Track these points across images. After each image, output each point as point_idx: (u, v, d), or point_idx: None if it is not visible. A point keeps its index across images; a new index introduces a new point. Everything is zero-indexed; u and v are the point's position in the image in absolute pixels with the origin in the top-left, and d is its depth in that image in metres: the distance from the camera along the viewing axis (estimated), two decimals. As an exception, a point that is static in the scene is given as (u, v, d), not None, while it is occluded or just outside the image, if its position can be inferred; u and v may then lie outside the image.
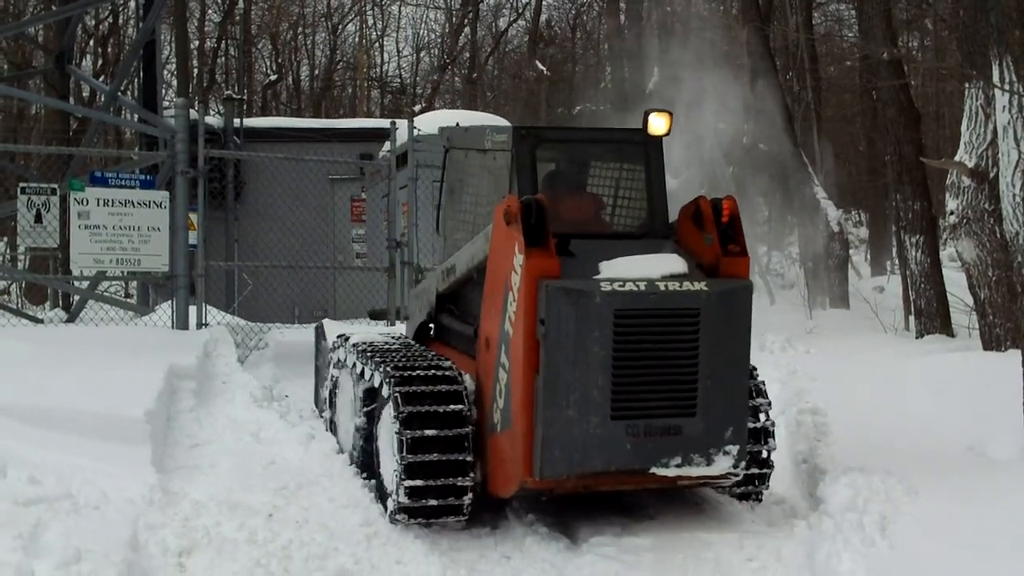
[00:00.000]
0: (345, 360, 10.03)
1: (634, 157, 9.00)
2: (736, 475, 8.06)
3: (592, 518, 8.44)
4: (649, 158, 8.90)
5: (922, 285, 16.45)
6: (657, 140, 8.85)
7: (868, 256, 36.38)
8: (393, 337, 10.22)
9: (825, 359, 13.59)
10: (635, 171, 9.01)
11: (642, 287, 7.70)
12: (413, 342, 9.98)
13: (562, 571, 7.55)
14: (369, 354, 9.16)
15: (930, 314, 16.24)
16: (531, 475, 7.67)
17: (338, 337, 10.58)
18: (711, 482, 8.29)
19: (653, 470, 7.76)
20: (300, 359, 13.09)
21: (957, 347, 13.86)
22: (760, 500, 8.93)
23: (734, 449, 7.89)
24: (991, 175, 12.65)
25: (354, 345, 9.74)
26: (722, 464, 7.88)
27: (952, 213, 13.12)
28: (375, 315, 16.42)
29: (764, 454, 8.81)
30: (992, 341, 12.88)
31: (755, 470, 8.74)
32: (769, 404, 8.99)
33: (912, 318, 17.41)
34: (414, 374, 8.37)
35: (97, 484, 7.98)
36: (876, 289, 25.06)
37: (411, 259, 14.99)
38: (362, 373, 9.26)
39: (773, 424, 8.93)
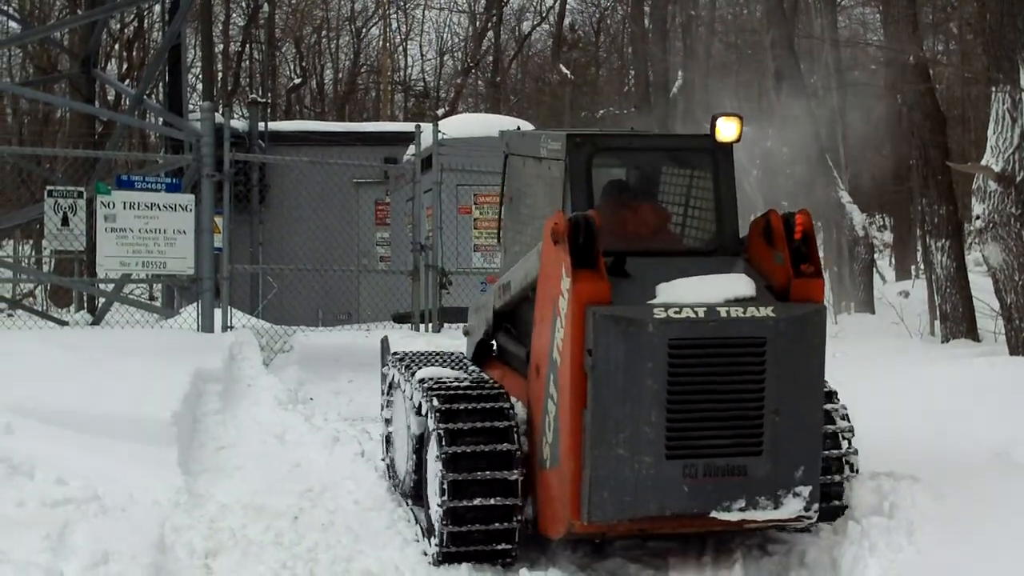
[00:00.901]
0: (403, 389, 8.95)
1: (701, 166, 8.27)
2: (809, 518, 7.33)
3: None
4: (718, 167, 8.14)
5: (948, 290, 16.39)
6: (727, 148, 8.10)
7: (893, 260, 36.27)
8: (457, 369, 9.01)
9: (850, 364, 13.52)
10: (703, 181, 8.28)
11: (701, 313, 7.04)
12: (476, 373, 8.91)
13: (586, 567, 7.49)
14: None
15: (956, 319, 16.18)
16: (579, 518, 7.03)
17: (398, 360, 9.47)
18: (781, 524, 7.56)
19: (714, 514, 7.09)
20: (325, 362, 13.13)
21: (983, 352, 13.81)
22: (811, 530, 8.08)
23: (805, 491, 7.20)
24: (1018, 179, 12.60)
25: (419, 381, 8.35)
26: (792, 507, 7.19)
27: (978, 217, 13.06)
28: (399, 318, 16.47)
29: (842, 485, 8.08)
30: (1019, 346, 12.81)
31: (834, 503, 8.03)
32: (851, 431, 8.36)
33: (938, 323, 17.35)
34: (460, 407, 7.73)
35: (124, 486, 8.02)
36: (901, 294, 24.95)
37: (435, 263, 15.02)
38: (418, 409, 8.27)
39: (855, 452, 8.29)
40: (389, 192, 20.82)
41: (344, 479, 9.20)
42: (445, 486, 7.37)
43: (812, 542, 7.92)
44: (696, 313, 7.01)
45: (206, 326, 13.45)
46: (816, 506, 7.22)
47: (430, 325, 14.86)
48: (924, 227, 18.20)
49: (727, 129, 7.84)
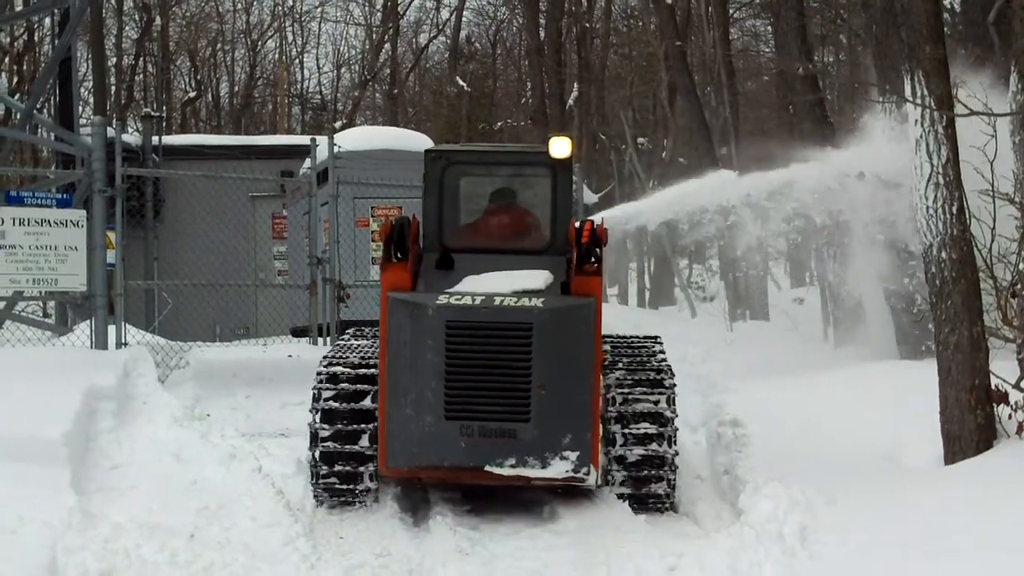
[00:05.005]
0: None
1: (541, 178, 9.67)
2: (581, 479, 8.48)
3: (509, 526, 8.56)
4: (556, 179, 9.56)
5: (840, 296, 16.66)
6: (565, 162, 9.45)
7: (788, 268, 36.80)
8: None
9: (745, 371, 13.72)
10: (542, 191, 9.67)
11: (478, 301, 8.49)
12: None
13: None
14: None
15: (848, 325, 16.44)
16: (383, 465, 8.66)
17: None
18: (566, 484, 8.71)
19: (488, 468, 8.40)
20: (222, 377, 13.00)
21: (875, 357, 14.05)
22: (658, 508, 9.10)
23: (573, 455, 8.38)
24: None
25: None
26: (560, 468, 8.39)
27: (867, 226, 13.31)
28: (297, 332, 16.37)
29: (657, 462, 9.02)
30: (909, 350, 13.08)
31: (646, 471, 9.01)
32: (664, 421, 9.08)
33: (831, 329, 17.63)
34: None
35: (13, 508, 7.84)
36: (796, 301, 25.36)
37: (332, 275, 14.95)
38: None
39: (665, 436, 9.04)
40: (286, 206, 20.70)
41: (241, 496, 9.09)
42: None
43: (708, 548, 8.02)
44: (473, 301, 8.50)
45: (100, 343, 13.25)
46: (586, 470, 8.42)
47: (328, 338, 14.78)
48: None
49: (559, 147, 9.33)
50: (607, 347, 9.69)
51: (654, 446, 8.96)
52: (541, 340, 8.37)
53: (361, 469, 8.95)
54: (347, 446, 8.95)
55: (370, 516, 8.88)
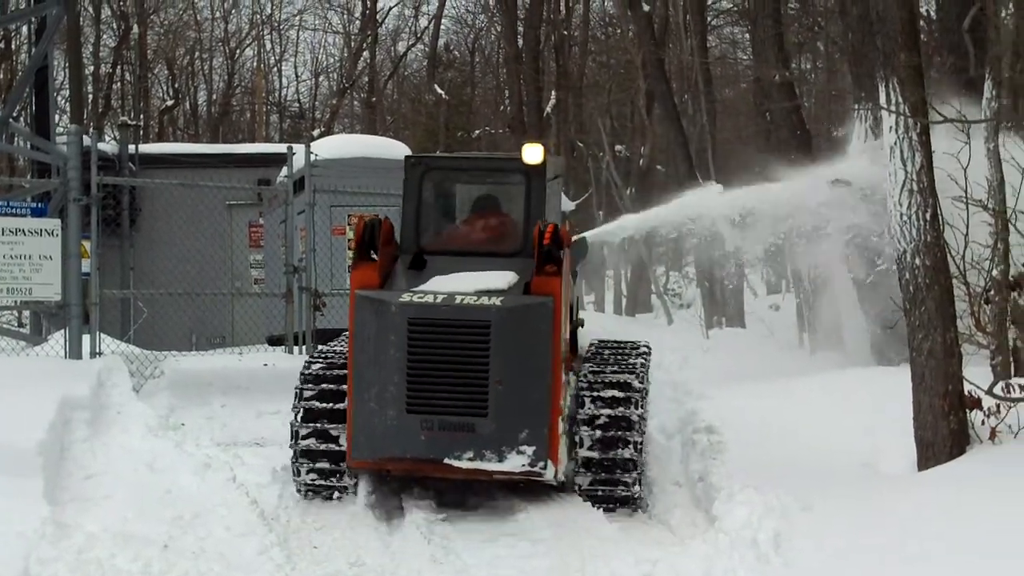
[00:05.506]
0: None
1: (515, 183, 10.01)
2: (538, 474, 8.69)
3: (484, 534, 8.56)
4: (529, 184, 9.88)
5: (815, 302, 16.71)
6: (538, 168, 9.76)
7: (764, 275, 36.90)
8: None
9: (721, 377, 13.73)
10: (517, 195, 9.98)
11: (439, 300, 8.81)
12: None
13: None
14: None
15: (824, 331, 16.48)
16: (350, 456, 8.95)
17: None
18: (526, 479, 8.89)
19: (447, 461, 8.65)
20: (197, 387, 12.94)
21: (850, 362, 14.10)
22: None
23: (529, 450, 8.61)
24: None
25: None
26: (516, 461, 8.62)
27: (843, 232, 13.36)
28: (273, 341, 16.31)
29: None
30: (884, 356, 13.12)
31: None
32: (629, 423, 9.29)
33: (807, 335, 17.68)
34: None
35: (-14, 518, 7.83)
36: (772, 307, 25.44)
37: (309, 284, 14.91)
38: None
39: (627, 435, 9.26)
40: (263, 214, 20.63)
41: (216, 505, 9.08)
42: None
43: (683, 554, 8.05)
44: (435, 299, 8.83)
45: (74, 352, 13.19)
46: (543, 464, 8.63)
47: (304, 347, 14.74)
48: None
49: (531, 154, 9.69)
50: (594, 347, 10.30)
51: (620, 431, 9.23)
52: (499, 337, 8.65)
53: (340, 466, 9.26)
54: (326, 444, 9.27)
55: (344, 525, 8.88)
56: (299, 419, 9.42)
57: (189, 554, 7.98)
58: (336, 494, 9.38)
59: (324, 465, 9.33)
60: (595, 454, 9.18)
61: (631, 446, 9.17)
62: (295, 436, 9.38)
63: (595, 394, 9.36)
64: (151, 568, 7.66)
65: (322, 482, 9.38)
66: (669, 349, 15.93)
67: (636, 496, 9.24)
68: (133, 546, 8.02)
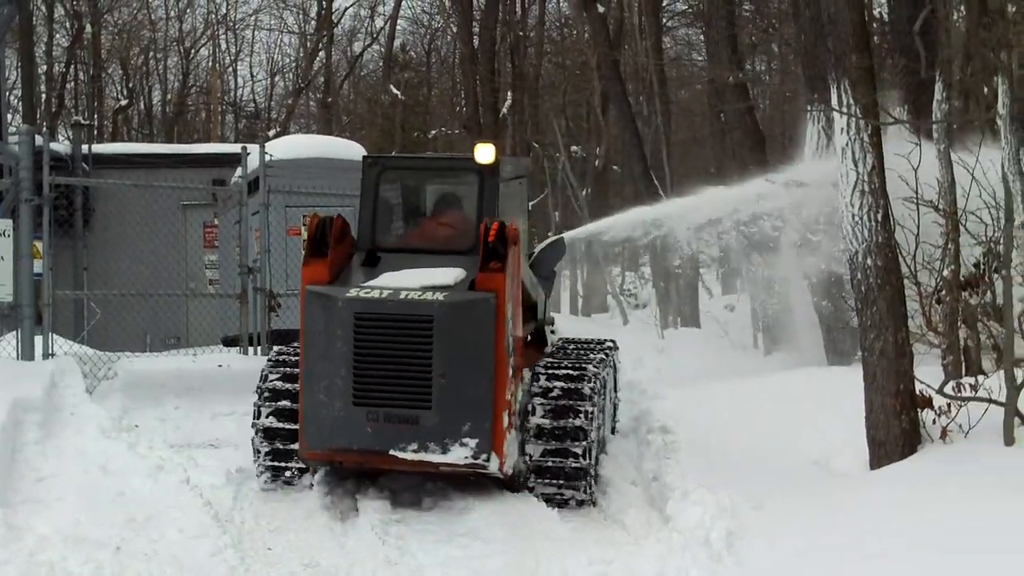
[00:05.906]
0: None
1: (469, 182, 10.19)
2: (482, 466, 8.84)
3: (438, 535, 8.55)
4: (483, 183, 10.03)
5: (768, 302, 16.80)
6: (491, 167, 9.92)
7: (719, 275, 37.06)
8: None
9: (675, 377, 13.80)
10: (470, 194, 10.17)
11: (385, 295, 8.97)
12: None
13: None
14: None
15: (777, 331, 16.58)
16: (303, 448, 9.15)
17: None
18: (471, 471, 8.98)
19: (393, 452, 8.83)
20: (151, 388, 12.86)
21: (804, 362, 14.19)
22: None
23: (472, 442, 8.77)
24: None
25: None
26: (460, 453, 8.77)
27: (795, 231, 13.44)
28: (228, 342, 16.22)
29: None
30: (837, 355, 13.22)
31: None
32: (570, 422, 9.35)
33: (760, 335, 17.77)
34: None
35: (-65, 521, 7.76)
36: (727, 308, 25.54)
37: (264, 285, 14.85)
38: None
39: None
40: (217, 214, 20.52)
41: (169, 508, 9.02)
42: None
43: (636, 553, 8.09)
44: (381, 294, 8.98)
45: (26, 354, 13.08)
46: (486, 456, 8.79)
47: (260, 348, 14.68)
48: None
49: (483, 154, 9.87)
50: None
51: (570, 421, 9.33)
52: (441, 332, 8.81)
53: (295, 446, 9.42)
54: (285, 424, 9.54)
55: (299, 526, 8.87)
56: (263, 399, 9.69)
57: (142, 556, 7.94)
58: (296, 477, 9.68)
59: (284, 446, 9.61)
60: (547, 422, 9.31)
61: (582, 415, 9.28)
62: (257, 415, 9.69)
63: (550, 372, 9.60)
64: (103, 571, 7.63)
65: (279, 463, 9.66)
66: (624, 349, 15.97)
67: (586, 470, 9.29)
68: (85, 549, 7.97)
